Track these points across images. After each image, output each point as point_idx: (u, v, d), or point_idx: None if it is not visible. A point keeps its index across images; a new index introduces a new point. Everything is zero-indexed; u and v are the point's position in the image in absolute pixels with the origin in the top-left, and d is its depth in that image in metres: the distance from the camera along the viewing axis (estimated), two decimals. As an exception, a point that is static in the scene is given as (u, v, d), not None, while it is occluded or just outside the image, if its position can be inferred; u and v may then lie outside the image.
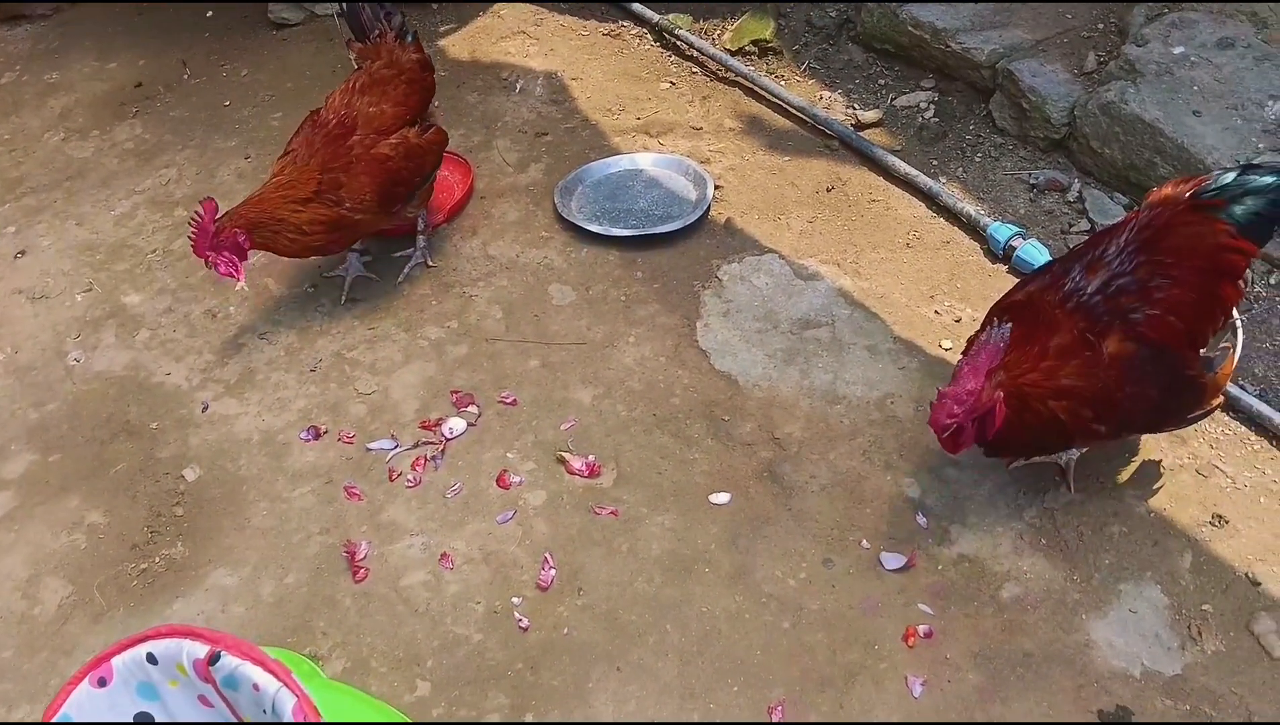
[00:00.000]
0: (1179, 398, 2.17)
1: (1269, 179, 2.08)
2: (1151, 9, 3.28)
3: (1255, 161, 2.64)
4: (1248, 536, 2.29)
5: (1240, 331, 2.33)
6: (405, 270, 3.08)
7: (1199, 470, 2.42)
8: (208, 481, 2.60)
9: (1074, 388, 2.09)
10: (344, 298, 3.02)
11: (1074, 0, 3.48)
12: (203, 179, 3.54)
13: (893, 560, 2.29)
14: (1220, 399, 2.25)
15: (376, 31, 2.96)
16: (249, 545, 2.45)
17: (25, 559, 2.47)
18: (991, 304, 2.31)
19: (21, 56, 4.29)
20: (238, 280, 2.71)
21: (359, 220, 2.81)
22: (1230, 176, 2.11)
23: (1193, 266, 2.11)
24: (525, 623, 2.26)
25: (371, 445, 2.64)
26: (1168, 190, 2.18)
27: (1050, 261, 2.30)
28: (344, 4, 2.98)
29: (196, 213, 2.64)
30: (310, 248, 2.80)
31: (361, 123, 2.82)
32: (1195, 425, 2.37)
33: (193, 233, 2.64)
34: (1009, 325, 2.06)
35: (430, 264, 3.11)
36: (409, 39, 2.99)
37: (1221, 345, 2.25)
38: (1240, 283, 2.16)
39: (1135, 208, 3.01)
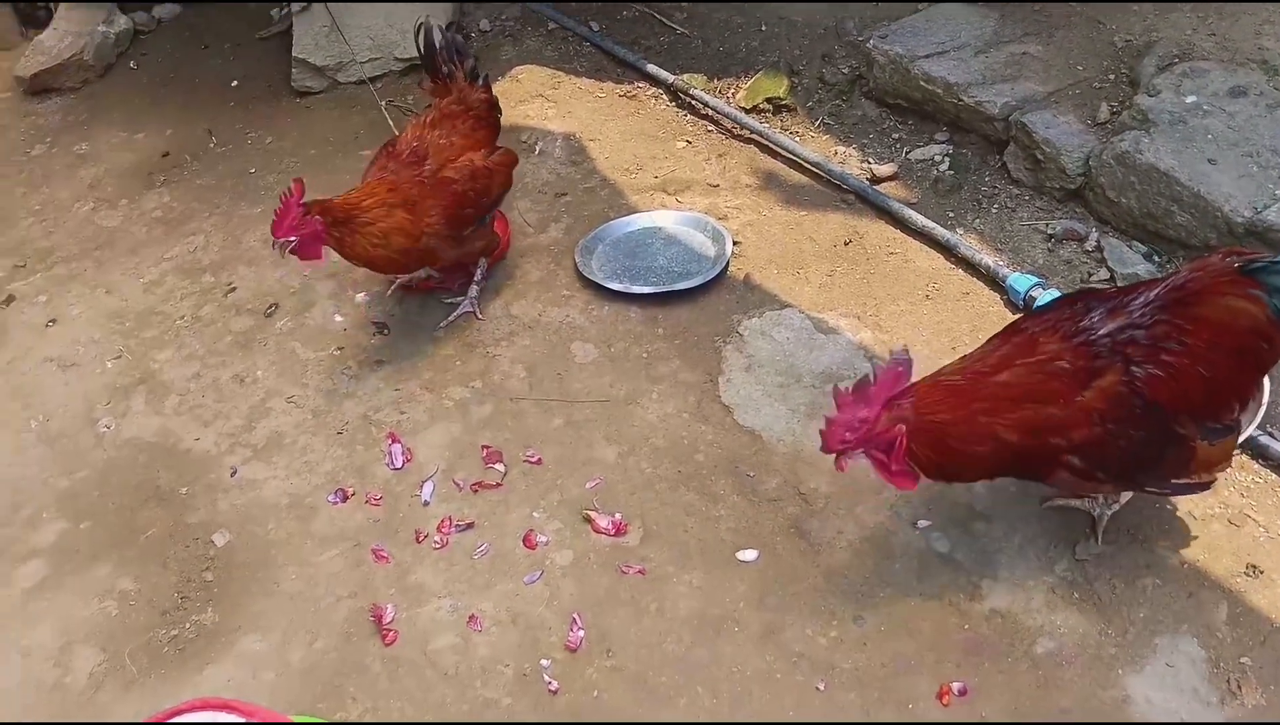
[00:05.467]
0: (1160, 450, 2.07)
1: None
2: (1162, 59, 3.31)
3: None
4: (1284, 587, 2.27)
5: (1266, 383, 2.32)
6: (451, 316, 3.15)
7: (1231, 520, 2.40)
8: (237, 546, 2.62)
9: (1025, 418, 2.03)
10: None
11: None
12: (230, 246, 3.60)
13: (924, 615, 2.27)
14: (1215, 477, 2.18)
15: (448, 71, 3.16)
16: (278, 610, 2.46)
17: (57, 627, 2.48)
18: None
19: (51, 129, 4.39)
20: (319, 261, 2.80)
21: (431, 246, 2.92)
22: None
23: (1212, 341, 2.01)
24: (555, 685, 2.25)
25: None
26: (1215, 258, 2.07)
27: (1082, 291, 2.22)
28: (421, 46, 3.15)
29: (286, 190, 2.71)
30: (377, 259, 2.86)
31: (433, 153, 2.99)
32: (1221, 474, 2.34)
33: (277, 210, 2.70)
34: (904, 349, 2.04)
35: (479, 316, 3.15)
36: (479, 80, 3.19)
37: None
38: (1264, 376, 2.05)
39: (1153, 253, 3.02)
